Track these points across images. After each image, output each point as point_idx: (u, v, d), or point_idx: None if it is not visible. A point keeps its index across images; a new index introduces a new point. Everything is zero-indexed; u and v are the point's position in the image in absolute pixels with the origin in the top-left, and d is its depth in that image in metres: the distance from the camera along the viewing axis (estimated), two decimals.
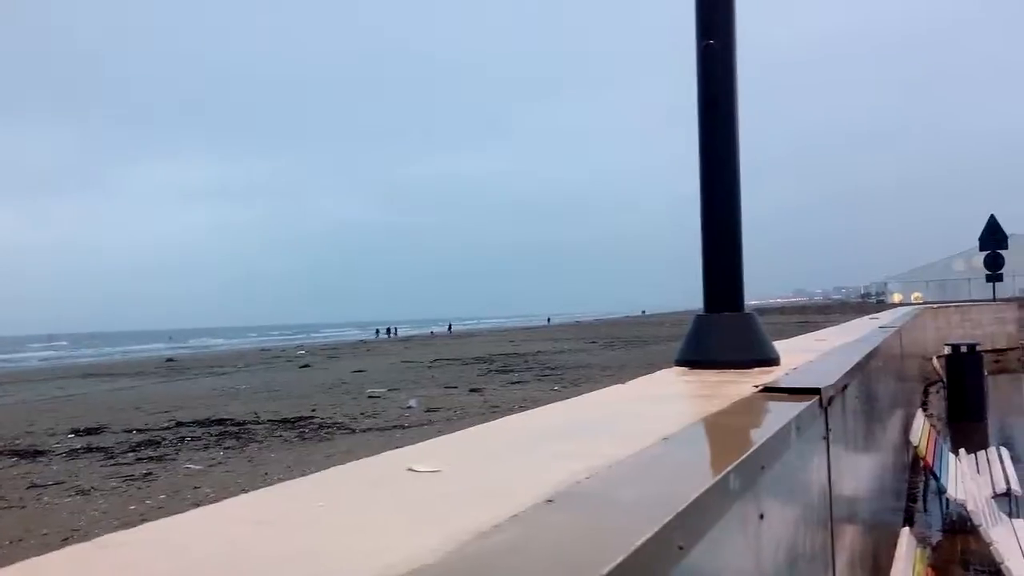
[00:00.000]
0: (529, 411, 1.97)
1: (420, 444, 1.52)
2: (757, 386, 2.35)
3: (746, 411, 1.99)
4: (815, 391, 2.21)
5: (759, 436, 1.59)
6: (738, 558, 1.33)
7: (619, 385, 2.57)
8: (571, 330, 65.73)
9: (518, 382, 20.94)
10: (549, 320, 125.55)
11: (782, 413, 1.90)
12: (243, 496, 1.21)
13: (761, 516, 1.48)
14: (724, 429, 1.79)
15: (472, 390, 19.04)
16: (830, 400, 2.39)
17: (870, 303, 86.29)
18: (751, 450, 1.46)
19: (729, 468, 1.29)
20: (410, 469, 1.33)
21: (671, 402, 2.26)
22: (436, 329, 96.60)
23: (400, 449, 1.47)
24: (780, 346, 4.71)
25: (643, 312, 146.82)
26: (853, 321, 10.06)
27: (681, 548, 1.02)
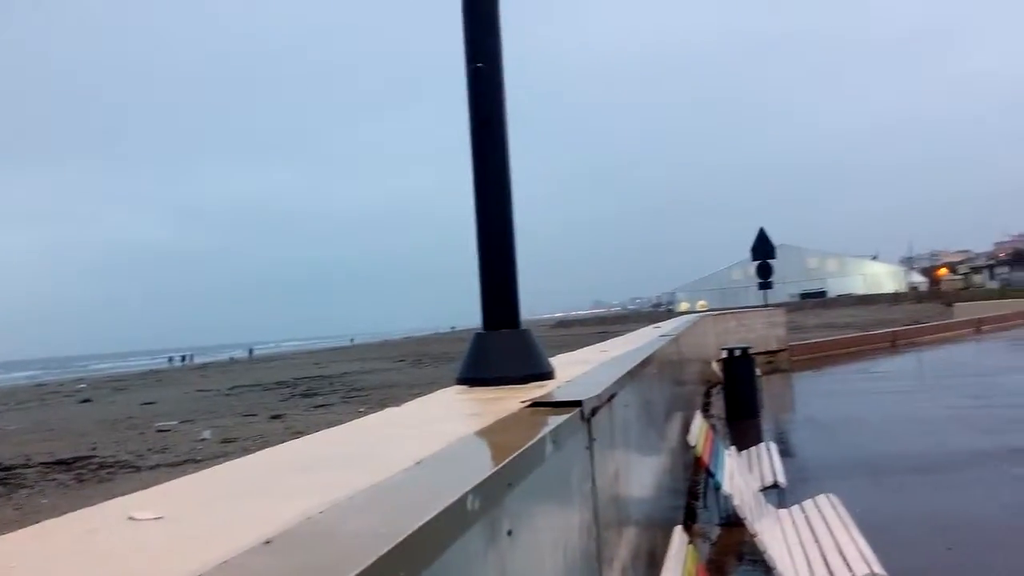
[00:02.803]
0: (283, 444, 1.90)
1: (149, 489, 1.41)
2: (525, 401, 2.40)
3: (507, 428, 2.02)
4: (577, 403, 2.29)
5: (510, 452, 1.61)
6: None
7: (392, 408, 2.54)
8: (378, 349, 65.06)
9: (323, 405, 20.42)
10: (353, 340, 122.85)
11: (541, 427, 1.95)
12: None
13: (509, 533, 1.50)
14: (480, 448, 1.81)
15: (273, 417, 18.34)
16: (594, 410, 2.48)
17: (661, 312, 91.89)
18: (498, 467, 1.48)
19: (469, 488, 1.29)
20: (131, 518, 1.24)
21: (439, 423, 2.26)
22: (236, 354, 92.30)
23: (124, 496, 1.36)
24: (566, 358, 4.89)
25: (453, 328, 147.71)
26: (638, 330, 10.63)
27: None
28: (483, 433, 1.95)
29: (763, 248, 23.65)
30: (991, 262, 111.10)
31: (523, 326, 3.33)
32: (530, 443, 1.72)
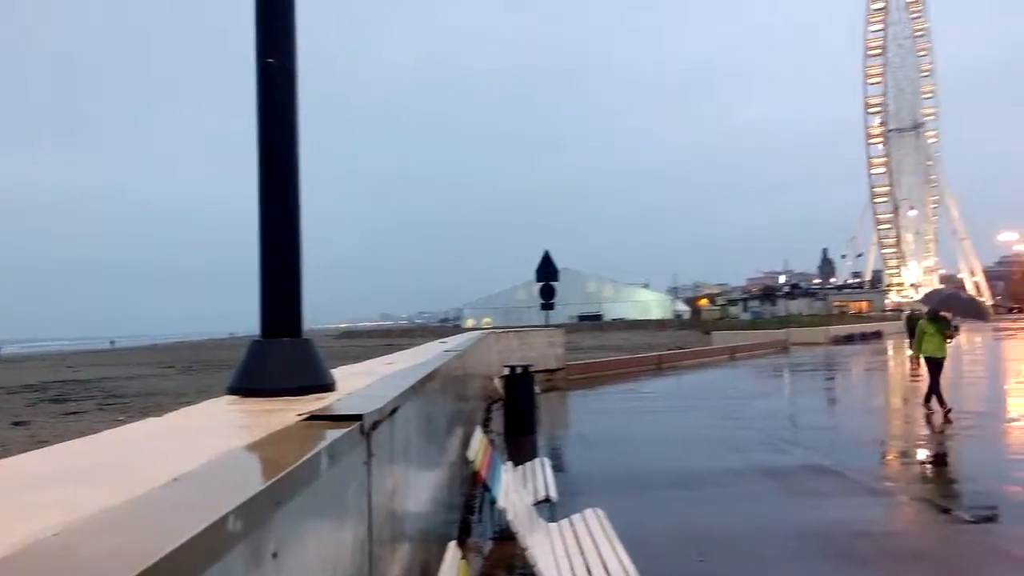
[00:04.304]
0: (23, 455, 1.68)
1: None
2: (301, 414, 2.30)
3: (280, 442, 1.92)
4: (357, 417, 2.22)
5: (281, 468, 1.52)
6: None
7: (153, 418, 2.34)
8: (146, 354, 60.69)
9: (76, 412, 18.68)
10: (113, 343, 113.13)
11: (317, 442, 1.87)
12: None
13: (275, 555, 1.41)
14: (248, 463, 1.70)
15: (16, 423, 16.54)
16: (374, 424, 2.42)
17: (448, 327, 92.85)
18: (266, 484, 1.39)
19: (231, 508, 1.20)
20: None
21: (204, 436, 2.11)
22: None
23: None
24: (349, 370, 4.77)
25: (232, 334, 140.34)
26: (424, 345, 10.65)
27: None
28: (252, 447, 1.83)
29: (547, 270, 24.54)
30: (745, 295, 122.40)
31: (306, 335, 3.21)
32: (304, 459, 1.63)
